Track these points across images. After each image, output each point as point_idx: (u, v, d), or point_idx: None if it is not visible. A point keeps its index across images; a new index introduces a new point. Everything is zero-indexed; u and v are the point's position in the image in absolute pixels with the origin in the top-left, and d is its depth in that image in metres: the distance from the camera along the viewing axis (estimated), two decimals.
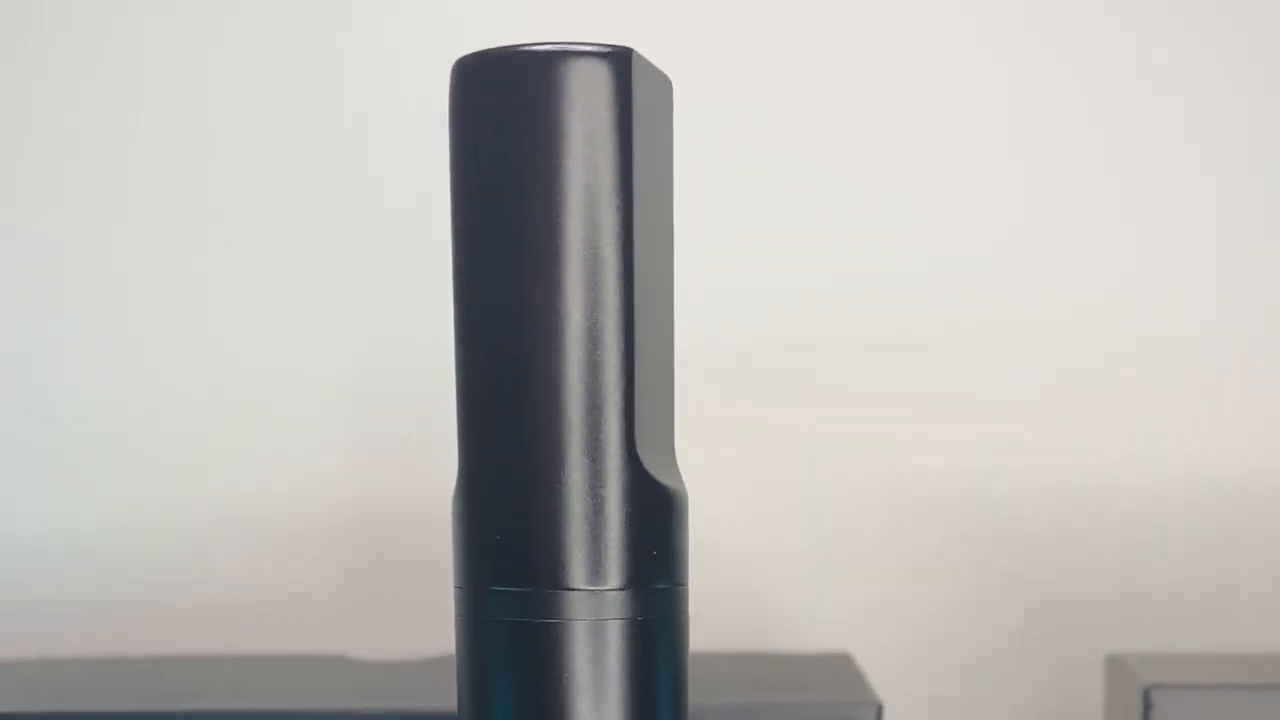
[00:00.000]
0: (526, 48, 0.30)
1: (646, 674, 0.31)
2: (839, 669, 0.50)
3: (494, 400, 0.31)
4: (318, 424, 0.60)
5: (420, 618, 0.59)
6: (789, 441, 0.59)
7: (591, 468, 0.30)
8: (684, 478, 0.33)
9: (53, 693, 0.49)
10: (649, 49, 0.33)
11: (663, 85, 0.32)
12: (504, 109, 0.30)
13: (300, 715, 0.44)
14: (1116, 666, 0.50)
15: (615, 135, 0.30)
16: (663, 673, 0.31)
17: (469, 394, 0.32)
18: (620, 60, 0.30)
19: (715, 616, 0.51)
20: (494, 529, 0.31)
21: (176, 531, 0.60)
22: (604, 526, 0.30)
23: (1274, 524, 0.59)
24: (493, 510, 0.31)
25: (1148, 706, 0.45)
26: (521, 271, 0.30)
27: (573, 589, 0.30)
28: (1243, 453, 0.59)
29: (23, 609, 0.60)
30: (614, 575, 0.31)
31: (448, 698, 0.44)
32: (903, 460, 0.59)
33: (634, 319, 0.30)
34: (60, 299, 0.60)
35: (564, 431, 0.30)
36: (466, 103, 0.31)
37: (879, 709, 0.44)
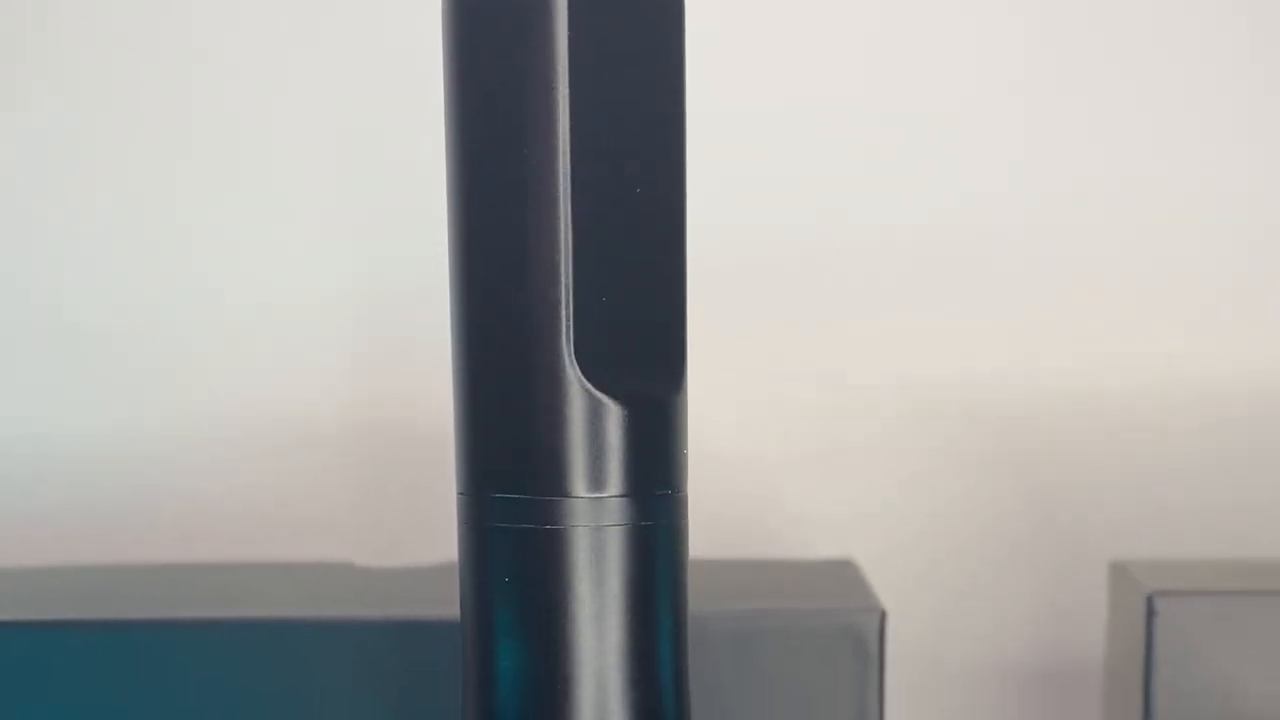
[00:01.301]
0: None
1: (648, 580, 0.32)
2: (842, 575, 0.50)
3: (490, 306, 0.32)
4: (321, 330, 0.60)
5: (425, 524, 0.60)
6: (789, 348, 0.60)
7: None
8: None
9: (52, 600, 0.49)
10: None
11: None
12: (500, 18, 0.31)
13: (306, 622, 0.45)
14: (1120, 573, 0.51)
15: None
16: (663, 578, 0.32)
17: (465, 300, 0.32)
18: None
19: (717, 524, 0.52)
20: (494, 436, 0.32)
21: (179, 438, 0.61)
22: (604, 433, 0.31)
23: (1275, 428, 0.60)
24: (493, 417, 0.32)
25: (1151, 613, 0.46)
26: (519, 175, 0.31)
27: (574, 496, 0.31)
28: (1245, 356, 0.59)
29: (21, 515, 0.61)
30: (614, 482, 0.32)
31: (453, 605, 0.46)
32: (904, 366, 0.60)
33: (637, 223, 0.31)
34: (62, 203, 0.60)
35: (562, 340, 0.31)
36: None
37: (882, 615, 0.44)
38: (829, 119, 0.59)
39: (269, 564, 0.55)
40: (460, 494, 0.32)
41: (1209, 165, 0.59)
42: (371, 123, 0.60)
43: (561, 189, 0.31)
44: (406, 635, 0.44)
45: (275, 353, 0.61)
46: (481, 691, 0.32)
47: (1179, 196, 0.59)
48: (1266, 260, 0.59)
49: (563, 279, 0.31)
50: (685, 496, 0.33)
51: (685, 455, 0.33)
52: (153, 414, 0.61)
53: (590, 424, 0.31)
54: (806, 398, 0.60)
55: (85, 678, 0.44)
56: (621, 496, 0.31)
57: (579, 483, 0.31)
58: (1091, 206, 0.59)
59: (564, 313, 0.31)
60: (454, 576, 0.49)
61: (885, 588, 0.49)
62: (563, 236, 0.31)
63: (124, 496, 0.61)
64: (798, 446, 0.60)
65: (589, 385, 0.31)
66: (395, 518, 0.61)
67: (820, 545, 0.59)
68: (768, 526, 0.60)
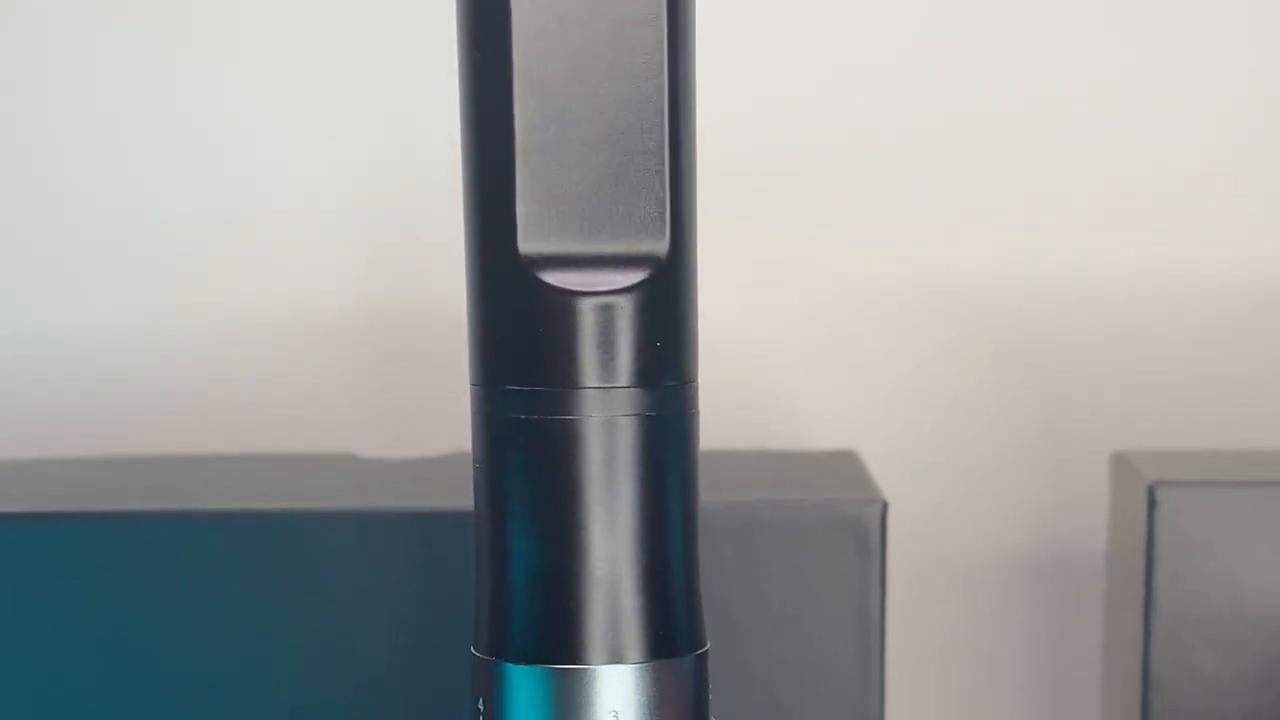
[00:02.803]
0: None
1: (658, 469, 0.32)
2: (844, 466, 0.51)
3: (495, 199, 0.33)
4: (325, 225, 0.61)
5: (428, 417, 0.60)
6: (791, 242, 0.60)
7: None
8: None
9: (53, 493, 0.50)
10: None
11: None
12: None
13: (308, 514, 0.45)
14: (1121, 464, 0.51)
15: None
16: (674, 468, 0.33)
17: (472, 193, 0.33)
18: None
19: (719, 415, 0.53)
20: (505, 328, 0.33)
21: (183, 333, 0.61)
22: (614, 325, 0.32)
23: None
24: (504, 310, 0.33)
25: (1152, 504, 0.46)
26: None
27: (585, 387, 0.32)
28: (1249, 248, 0.60)
29: (25, 411, 0.62)
30: (625, 373, 0.32)
31: (455, 496, 0.46)
32: (906, 259, 0.60)
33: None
34: (65, 101, 0.61)
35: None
36: None
37: (884, 506, 0.45)
38: (827, 16, 0.60)
39: (272, 455, 0.55)
40: (473, 385, 0.33)
41: (1215, 61, 0.59)
42: (381, 17, 0.60)
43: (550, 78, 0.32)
44: (409, 527, 0.45)
45: (279, 248, 0.61)
46: (494, 580, 0.33)
47: (1184, 91, 0.60)
48: (1270, 155, 0.60)
49: (560, 172, 0.32)
50: (696, 386, 0.34)
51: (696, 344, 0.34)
52: (157, 312, 0.61)
53: (599, 316, 0.32)
54: (808, 291, 0.61)
55: (87, 570, 0.45)
56: (632, 387, 0.32)
57: (590, 374, 0.32)
58: (1096, 101, 0.60)
59: (569, 202, 0.32)
60: (456, 467, 0.50)
61: (887, 479, 0.50)
62: (559, 129, 0.32)
63: (128, 391, 0.62)
64: (800, 340, 0.61)
65: (602, 275, 0.32)
66: (397, 411, 0.61)
67: (822, 437, 0.60)
68: (769, 419, 0.61)
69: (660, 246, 0.32)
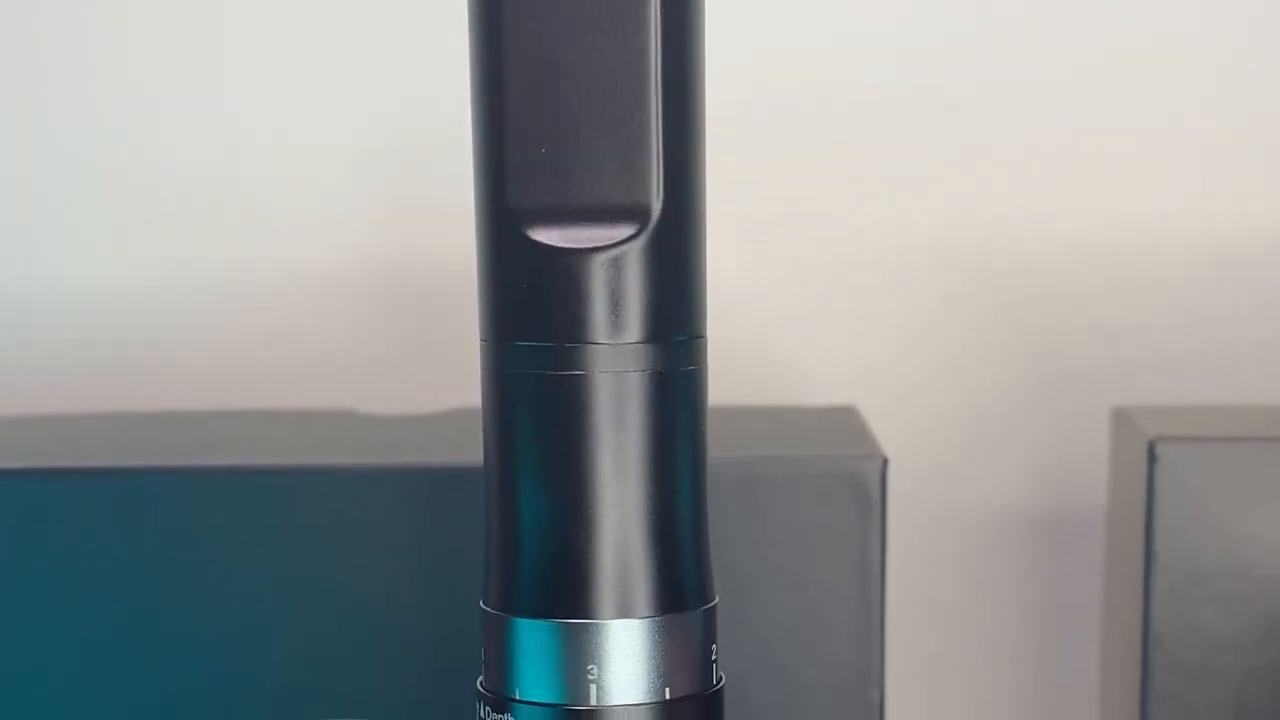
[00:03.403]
0: None
1: (667, 424, 0.33)
2: (845, 422, 0.51)
3: (496, 154, 0.33)
4: (331, 182, 0.61)
5: (427, 374, 0.61)
6: (791, 197, 0.60)
7: (631, 231, 0.33)
8: None
9: (57, 448, 0.50)
10: None
11: None
12: None
13: (307, 470, 0.46)
14: (1122, 419, 0.52)
15: None
16: (683, 423, 0.33)
17: (480, 144, 0.33)
18: None
19: (719, 371, 0.53)
20: (515, 282, 0.33)
21: (182, 289, 0.61)
22: (623, 279, 0.33)
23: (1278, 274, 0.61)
24: (513, 264, 0.33)
25: (1153, 459, 0.46)
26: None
27: (594, 343, 0.33)
28: (1249, 203, 0.60)
29: (25, 367, 0.62)
30: (634, 328, 0.33)
31: (454, 452, 0.47)
32: (905, 215, 0.61)
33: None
34: (63, 53, 0.61)
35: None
36: None
37: (884, 461, 0.45)
38: None
39: (270, 411, 0.56)
40: (483, 341, 0.34)
41: (1215, 12, 0.59)
42: None
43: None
44: (408, 483, 0.45)
45: (284, 204, 0.61)
46: (504, 535, 0.33)
47: (1183, 44, 0.60)
48: (1270, 108, 0.60)
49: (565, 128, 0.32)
50: (704, 341, 0.34)
51: (703, 300, 0.34)
52: (161, 266, 0.62)
53: (608, 270, 0.32)
54: (809, 246, 0.61)
55: (87, 526, 0.45)
56: (641, 342, 0.33)
57: (599, 329, 0.33)
58: (1098, 57, 0.60)
59: (578, 156, 0.32)
60: (454, 424, 0.51)
61: (887, 435, 0.50)
62: (552, 85, 0.32)
63: (129, 346, 0.62)
64: (800, 295, 0.61)
65: (604, 230, 0.32)
66: (396, 367, 0.61)
67: (823, 393, 0.60)
68: (769, 374, 0.61)
69: (652, 200, 0.32)
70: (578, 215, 0.32)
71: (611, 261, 0.32)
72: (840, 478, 0.45)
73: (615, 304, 0.32)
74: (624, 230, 0.32)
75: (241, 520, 0.45)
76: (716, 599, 0.35)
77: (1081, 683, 0.60)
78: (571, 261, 0.32)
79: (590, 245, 0.32)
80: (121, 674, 0.46)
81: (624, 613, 0.33)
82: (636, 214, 0.32)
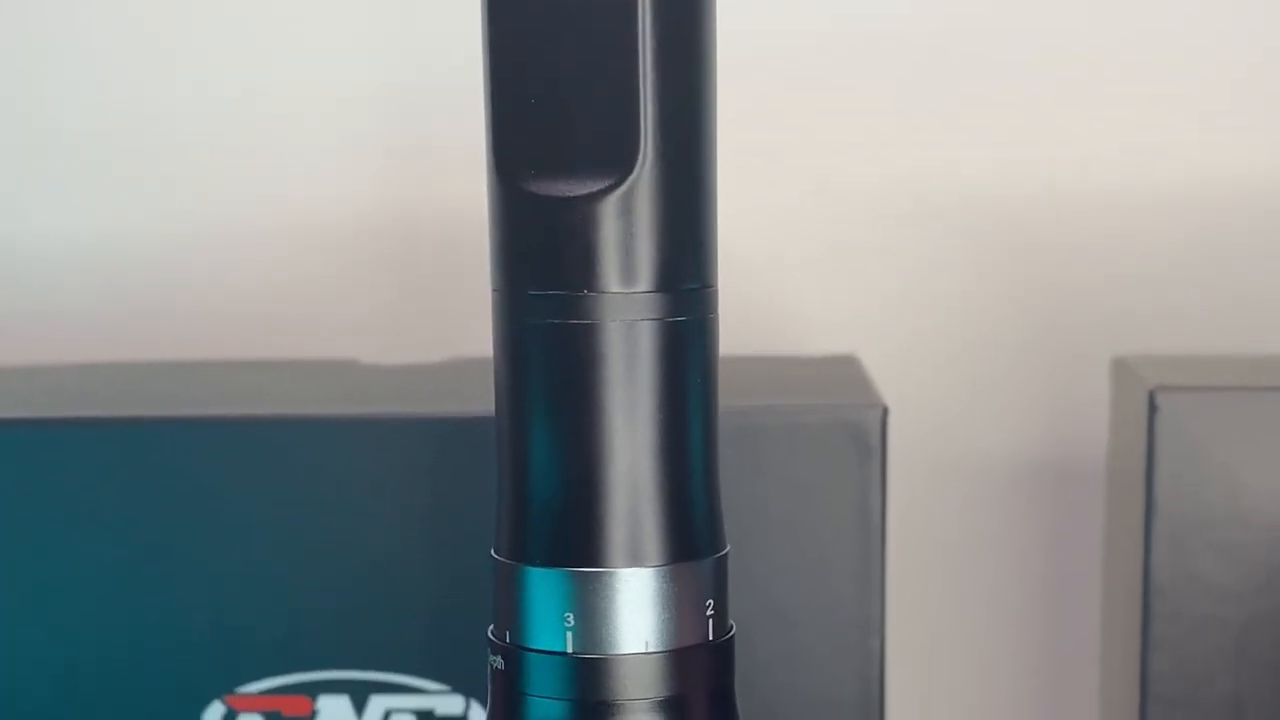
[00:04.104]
0: None
1: (678, 373, 0.33)
2: (845, 371, 0.51)
3: (522, 104, 0.33)
4: (333, 129, 0.61)
5: (429, 324, 0.61)
6: (789, 146, 0.61)
7: (620, 174, 0.33)
8: None
9: (57, 398, 0.50)
10: None
11: None
12: None
13: (310, 420, 0.46)
14: (1122, 369, 0.52)
15: None
16: (694, 371, 0.33)
17: (493, 94, 0.34)
18: None
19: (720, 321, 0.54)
20: (527, 233, 0.33)
21: (188, 237, 0.62)
22: (634, 229, 0.33)
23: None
24: (525, 214, 0.33)
25: (1153, 409, 0.47)
26: None
27: (605, 291, 0.33)
28: (1249, 151, 0.60)
29: (27, 316, 0.62)
30: (645, 277, 0.33)
31: (456, 402, 0.47)
32: (906, 163, 0.61)
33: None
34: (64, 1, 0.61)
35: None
36: None
37: (884, 410, 0.45)
38: None
39: (272, 362, 0.56)
40: (495, 290, 0.34)
41: None
42: None
43: None
44: (412, 432, 0.46)
45: (289, 151, 0.61)
46: (515, 484, 0.34)
47: None
48: (1270, 58, 0.60)
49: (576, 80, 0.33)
50: (715, 291, 0.34)
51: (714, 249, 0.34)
52: (164, 214, 0.62)
53: (620, 219, 0.33)
54: (808, 196, 0.61)
55: (90, 475, 0.46)
56: (652, 291, 0.33)
57: (611, 278, 0.33)
58: (1097, 5, 0.60)
59: (592, 106, 0.33)
60: (456, 374, 0.51)
61: (888, 384, 0.50)
62: (545, 36, 0.33)
63: (132, 295, 0.62)
64: (800, 244, 0.61)
65: (615, 180, 0.33)
66: (399, 318, 0.62)
67: (823, 342, 0.60)
68: (770, 324, 0.61)
69: (640, 144, 0.32)
70: (570, 164, 0.33)
71: (621, 210, 0.33)
72: (841, 427, 0.45)
73: (626, 253, 0.33)
74: (612, 177, 0.33)
75: (246, 470, 0.46)
76: (728, 548, 0.35)
77: (1082, 631, 0.61)
78: (586, 210, 0.33)
79: (582, 193, 0.33)
80: (125, 625, 0.46)
81: (635, 561, 0.33)
82: (625, 160, 0.33)
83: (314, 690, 0.46)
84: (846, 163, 0.61)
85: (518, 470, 0.34)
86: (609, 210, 0.33)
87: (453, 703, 0.46)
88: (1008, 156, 0.61)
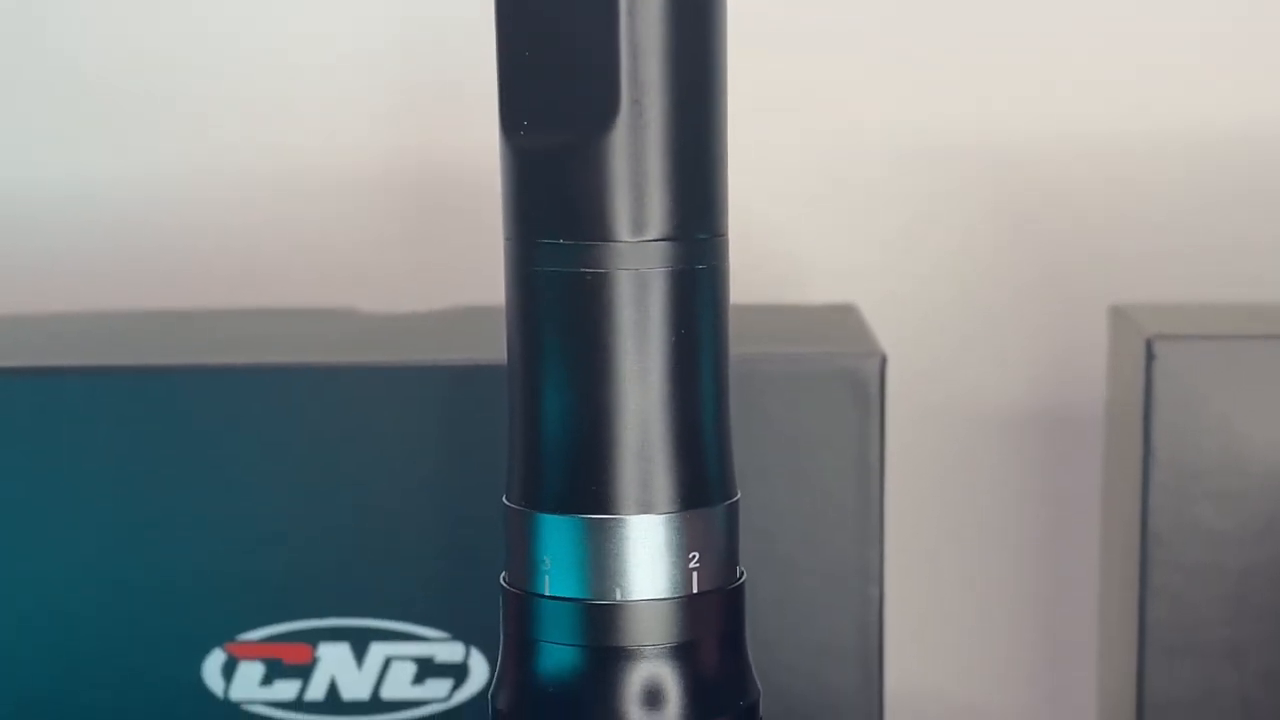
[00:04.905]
0: None
1: (690, 321, 0.34)
2: (843, 320, 0.52)
3: (528, 51, 0.34)
4: (333, 74, 0.61)
5: (428, 272, 0.61)
6: (786, 94, 0.61)
7: (633, 121, 0.33)
8: None
9: (57, 346, 0.51)
10: None
11: None
12: None
13: (308, 368, 0.46)
14: (1120, 317, 0.52)
15: None
16: (705, 320, 0.34)
17: (505, 40, 0.34)
18: None
19: None
20: (539, 182, 0.34)
21: (186, 183, 0.62)
22: (646, 177, 0.33)
23: (1277, 171, 0.61)
24: (537, 164, 0.34)
25: (1150, 357, 0.47)
26: None
27: (617, 241, 0.33)
28: (1244, 98, 0.61)
29: (26, 264, 0.62)
30: (656, 226, 0.34)
31: (456, 349, 0.47)
32: (906, 110, 0.61)
33: None
34: None
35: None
36: None
37: (883, 359, 0.46)
38: None
39: (271, 310, 0.56)
40: (506, 240, 0.34)
41: None
42: None
43: None
44: (410, 380, 0.46)
45: (295, 98, 0.61)
46: (527, 432, 0.34)
47: None
48: (1267, 4, 0.60)
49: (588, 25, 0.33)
50: (726, 239, 0.35)
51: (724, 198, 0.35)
52: (157, 159, 0.62)
53: (632, 169, 0.33)
54: (806, 141, 0.61)
55: (91, 424, 0.46)
56: (663, 240, 0.34)
57: (622, 227, 0.33)
58: None
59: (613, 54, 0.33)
60: (456, 322, 0.52)
61: (886, 332, 0.50)
62: None
63: (130, 243, 0.62)
64: (798, 192, 0.61)
65: (629, 128, 0.33)
66: (398, 265, 0.62)
67: (821, 291, 0.60)
68: (768, 271, 0.61)
69: (618, 91, 0.33)
70: (574, 112, 0.33)
71: (637, 160, 0.33)
72: (839, 375, 0.46)
73: (637, 201, 0.33)
74: (608, 123, 0.33)
75: (247, 418, 0.46)
76: (739, 494, 0.36)
77: (1081, 579, 0.61)
78: (597, 159, 0.33)
79: (624, 145, 0.33)
80: (125, 572, 0.47)
81: (647, 508, 0.34)
82: (609, 107, 0.33)
83: (314, 638, 0.47)
84: (844, 111, 0.61)
85: (530, 418, 0.34)
86: (619, 157, 0.33)
87: (453, 650, 0.47)
88: (1006, 104, 0.61)
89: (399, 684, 0.47)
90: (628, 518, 0.34)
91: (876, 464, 0.46)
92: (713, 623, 0.35)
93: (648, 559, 0.34)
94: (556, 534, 0.34)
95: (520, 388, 0.34)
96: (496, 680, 0.36)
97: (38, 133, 0.62)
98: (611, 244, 0.33)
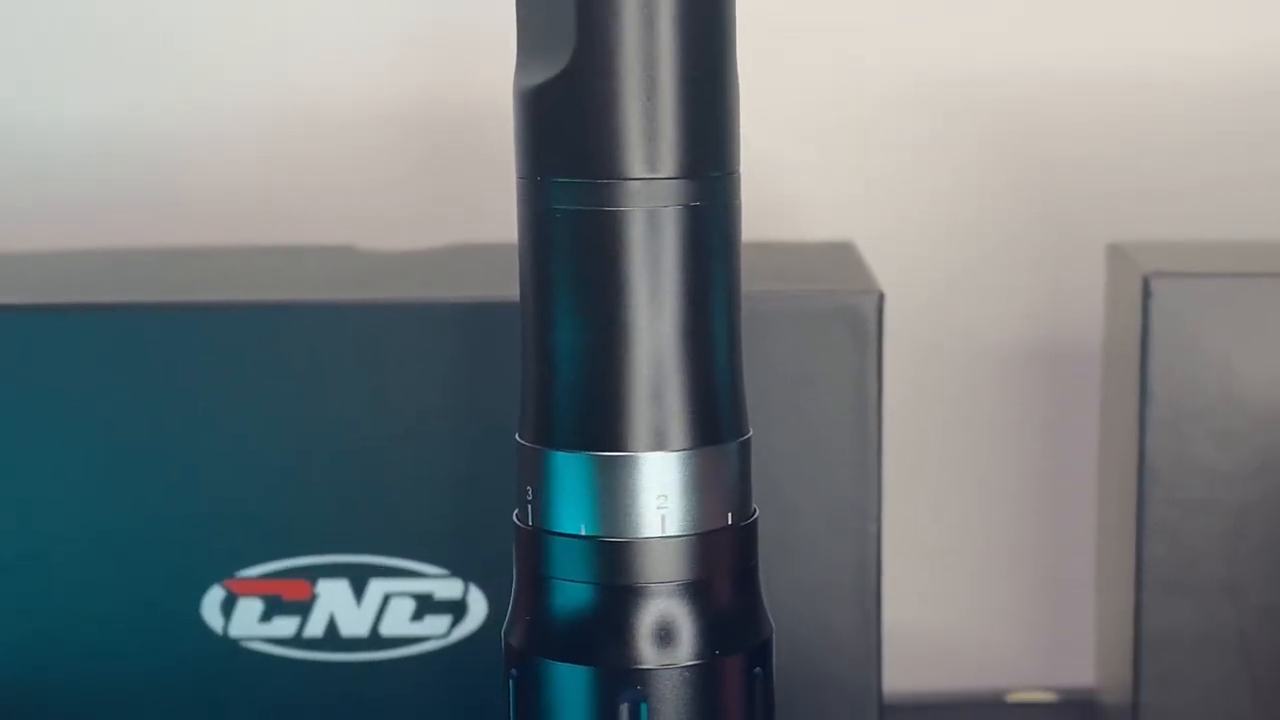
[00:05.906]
0: None
1: (702, 259, 0.34)
2: (841, 257, 0.52)
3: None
4: (340, 10, 0.61)
5: (429, 211, 0.61)
6: (782, 30, 0.61)
7: (645, 58, 0.34)
8: None
9: (56, 285, 0.51)
10: None
11: None
12: None
13: (307, 305, 0.47)
14: (1117, 255, 0.53)
15: None
16: (717, 257, 0.34)
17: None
18: None
19: None
20: (552, 120, 0.34)
21: (185, 121, 0.62)
22: (658, 116, 0.34)
23: (1276, 107, 0.61)
24: (549, 102, 0.34)
25: (1148, 295, 0.47)
26: None
27: (629, 178, 0.34)
28: (1243, 33, 0.61)
29: (30, 202, 0.62)
30: (668, 163, 0.34)
31: (456, 287, 0.48)
32: (903, 47, 0.61)
33: None
34: None
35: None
36: None
37: (880, 296, 0.46)
38: None
39: (268, 247, 0.56)
40: (520, 179, 0.35)
41: None
42: None
43: None
44: (410, 317, 0.46)
45: (300, 35, 0.61)
46: (540, 370, 0.35)
47: None
48: None
49: None
50: (738, 176, 0.35)
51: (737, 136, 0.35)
52: (158, 97, 0.62)
53: (643, 106, 0.33)
54: (804, 80, 0.61)
55: (88, 361, 0.46)
56: (676, 178, 0.34)
57: (635, 164, 0.34)
58: None
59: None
60: (454, 260, 0.52)
61: (883, 269, 0.51)
62: None
63: (131, 181, 0.62)
64: (795, 128, 0.61)
65: (639, 66, 0.34)
66: (397, 203, 0.62)
67: (818, 227, 0.60)
68: (765, 209, 0.61)
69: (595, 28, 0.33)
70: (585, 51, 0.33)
71: (648, 96, 0.33)
72: (837, 312, 0.46)
73: (650, 139, 0.33)
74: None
75: (245, 355, 0.46)
76: (750, 432, 0.36)
77: (1078, 516, 0.61)
78: (609, 97, 0.33)
79: (635, 83, 0.33)
80: (124, 509, 0.47)
81: (659, 445, 0.34)
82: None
83: (313, 574, 0.47)
84: (842, 47, 0.61)
85: (542, 356, 0.35)
86: (633, 97, 0.33)
87: (451, 586, 0.47)
88: (1004, 40, 0.61)
89: (398, 621, 0.47)
90: (640, 455, 0.34)
91: (874, 401, 0.46)
92: (725, 560, 0.35)
93: (659, 496, 0.34)
94: (569, 471, 0.35)
95: (533, 325, 0.35)
96: (509, 617, 0.36)
97: (38, 68, 0.61)
98: (624, 181, 0.33)
